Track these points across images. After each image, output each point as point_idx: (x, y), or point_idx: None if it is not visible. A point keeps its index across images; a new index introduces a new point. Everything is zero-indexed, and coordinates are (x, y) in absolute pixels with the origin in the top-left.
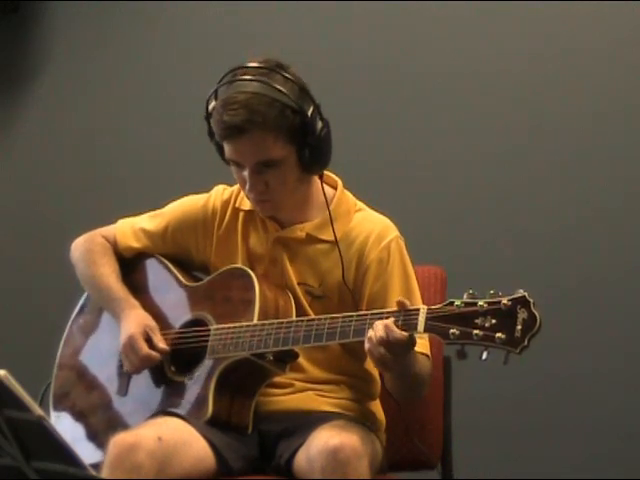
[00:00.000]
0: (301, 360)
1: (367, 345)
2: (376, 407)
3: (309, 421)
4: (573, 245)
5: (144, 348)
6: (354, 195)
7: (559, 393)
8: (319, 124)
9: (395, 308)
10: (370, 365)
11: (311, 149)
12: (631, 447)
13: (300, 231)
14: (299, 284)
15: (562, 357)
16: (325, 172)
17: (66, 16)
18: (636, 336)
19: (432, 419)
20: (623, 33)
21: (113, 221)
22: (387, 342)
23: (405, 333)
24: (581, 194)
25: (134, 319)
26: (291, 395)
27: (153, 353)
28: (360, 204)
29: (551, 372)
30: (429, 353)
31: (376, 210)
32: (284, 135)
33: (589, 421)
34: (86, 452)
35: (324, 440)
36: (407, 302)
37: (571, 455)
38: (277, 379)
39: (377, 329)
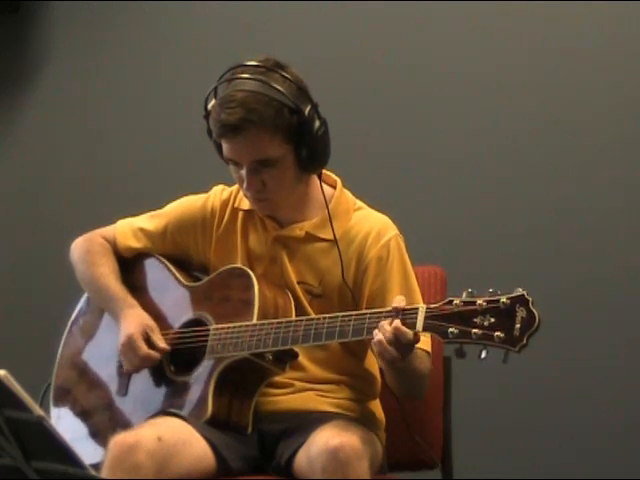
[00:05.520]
0: (301, 359)
1: (376, 349)
2: (376, 407)
3: (309, 421)
4: (573, 245)
5: (143, 348)
6: (353, 194)
7: (559, 393)
8: (316, 123)
9: (390, 306)
10: (370, 364)
11: (308, 148)
12: (631, 447)
13: (299, 230)
14: (299, 283)
15: (562, 357)
16: (324, 171)
17: (66, 16)
18: (636, 335)
19: (432, 419)
20: (624, 33)
21: (113, 221)
22: (398, 343)
23: (411, 332)
24: (581, 194)
25: (133, 319)
26: (291, 395)
27: (152, 352)
28: (359, 203)
29: (551, 372)
30: (430, 350)
31: (376, 209)
32: (281, 134)
33: (589, 421)
34: (86, 452)
35: (324, 440)
36: (403, 303)
37: (571, 455)
38: (277, 379)
39: (385, 330)
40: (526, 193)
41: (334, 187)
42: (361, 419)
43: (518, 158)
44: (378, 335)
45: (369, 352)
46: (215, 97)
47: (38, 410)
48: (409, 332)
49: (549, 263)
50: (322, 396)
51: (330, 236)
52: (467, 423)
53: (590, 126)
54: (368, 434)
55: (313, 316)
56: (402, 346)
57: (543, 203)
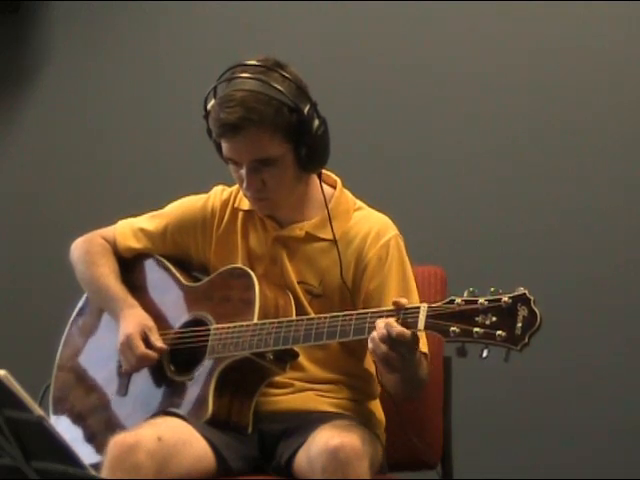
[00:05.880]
0: (301, 359)
1: (370, 345)
2: (376, 407)
3: (309, 421)
4: (573, 244)
5: (141, 347)
6: (354, 194)
7: (559, 392)
8: (316, 122)
9: (392, 306)
10: (370, 365)
11: (308, 147)
12: (631, 447)
13: (299, 230)
14: (299, 283)
15: (562, 357)
16: (324, 171)
17: (66, 16)
18: (636, 335)
19: (432, 419)
20: (624, 33)
21: (113, 221)
22: (389, 339)
23: (407, 330)
24: (581, 194)
25: (132, 319)
26: (291, 395)
27: (150, 352)
28: (359, 203)
29: (551, 372)
30: (427, 352)
31: (376, 209)
32: (280, 133)
33: (589, 421)
34: (86, 452)
35: (324, 440)
36: (403, 301)
37: (571, 455)
38: (277, 379)
39: (378, 327)
40: (526, 193)
41: (334, 187)
42: (361, 419)
43: (518, 158)
44: (373, 332)
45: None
46: (215, 97)
47: (38, 410)
48: (403, 329)
49: (549, 263)
50: (322, 396)
51: (330, 236)
52: (467, 423)
53: (590, 126)
54: (368, 434)
55: (314, 316)
56: (394, 342)
57: (543, 203)
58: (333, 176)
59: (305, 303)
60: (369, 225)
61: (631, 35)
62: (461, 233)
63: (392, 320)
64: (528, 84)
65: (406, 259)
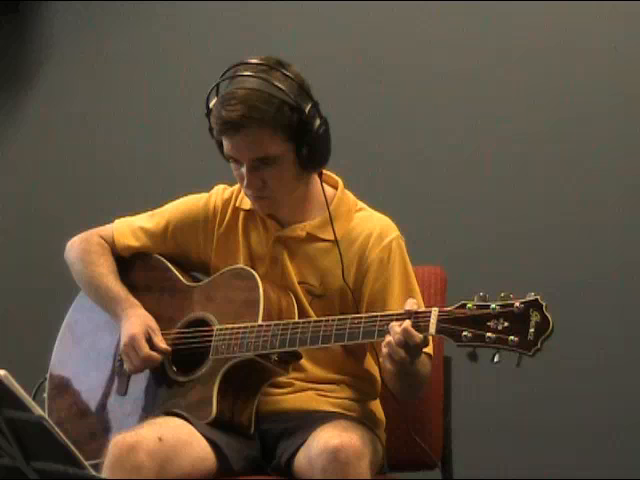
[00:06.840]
0: (302, 359)
1: (385, 350)
2: (376, 407)
3: (309, 421)
4: (573, 245)
5: (145, 348)
6: (355, 195)
7: (559, 393)
8: (317, 122)
9: (402, 309)
10: (370, 365)
11: (309, 147)
12: (631, 447)
13: (300, 230)
14: (300, 283)
15: (563, 357)
16: (325, 172)
17: (66, 16)
18: (636, 335)
19: (432, 419)
20: (623, 33)
21: (112, 221)
22: (407, 345)
23: (421, 335)
24: (582, 194)
25: (136, 319)
26: (292, 395)
27: (154, 354)
28: (361, 204)
29: (551, 372)
30: (432, 353)
31: (377, 210)
32: (281, 132)
33: (590, 421)
34: (85, 453)
35: (324, 440)
36: (416, 307)
37: (571, 455)
38: (278, 379)
39: (394, 332)
40: (526, 194)
41: (335, 188)
42: (361, 419)
43: (519, 159)
44: (387, 337)
45: (368, 352)
46: (217, 94)
47: (38, 410)
48: (418, 335)
49: (549, 263)
50: (322, 396)
51: (331, 236)
52: (467, 423)
53: (591, 126)
54: (368, 434)
55: (321, 318)
56: (410, 348)
57: (543, 203)
58: (334, 177)
59: (305, 303)
60: (371, 226)
61: (631, 35)
62: (461, 233)
63: (408, 324)
64: (529, 85)
65: (408, 260)
